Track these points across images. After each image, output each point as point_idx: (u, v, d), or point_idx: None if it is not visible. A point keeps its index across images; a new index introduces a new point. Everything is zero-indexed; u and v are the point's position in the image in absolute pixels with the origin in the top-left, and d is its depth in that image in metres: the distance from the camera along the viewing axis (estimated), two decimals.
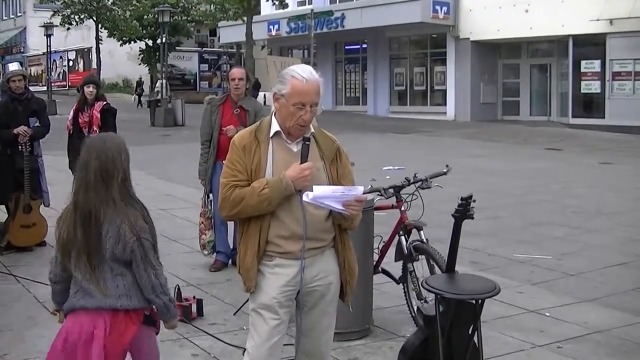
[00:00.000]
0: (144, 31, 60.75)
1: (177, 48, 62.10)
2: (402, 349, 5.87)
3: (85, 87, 10.98)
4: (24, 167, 10.81)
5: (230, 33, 53.50)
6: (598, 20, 34.07)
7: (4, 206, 11.36)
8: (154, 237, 4.69)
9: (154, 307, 4.72)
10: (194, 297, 8.12)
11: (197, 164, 10.32)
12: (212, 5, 55.16)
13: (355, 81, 49.99)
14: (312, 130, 4.79)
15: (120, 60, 69.31)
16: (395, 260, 7.92)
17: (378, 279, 8.16)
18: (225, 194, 4.68)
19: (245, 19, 44.60)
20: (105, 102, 11.08)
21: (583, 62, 36.24)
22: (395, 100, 46.52)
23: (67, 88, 67.95)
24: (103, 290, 4.56)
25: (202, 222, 10.21)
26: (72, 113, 11.15)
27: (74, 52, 71.22)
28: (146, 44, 62.43)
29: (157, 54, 52.19)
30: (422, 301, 7.28)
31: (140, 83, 58.96)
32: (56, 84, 66.16)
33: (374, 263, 7.99)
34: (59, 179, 14.47)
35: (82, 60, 70.34)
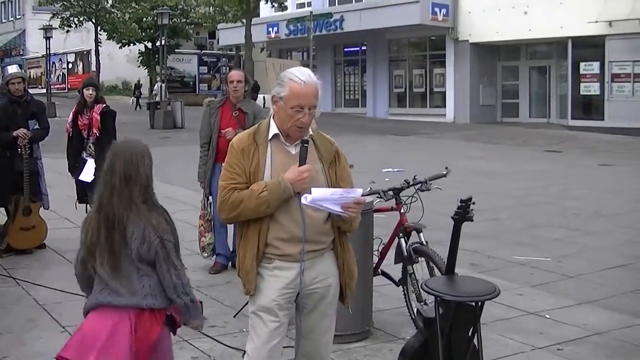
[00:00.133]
0: (143, 34, 60.83)
1: (176, 50, 62.17)
2: (402, 351, 5.87)
3: (84, 90, 10.98)
4: (24, 169, 10.81)
5: (230, 35, 53.50)
6: (597, 22, 34.10)
7: (3, 209, 11.36)
8: (175, 239, 4.79)
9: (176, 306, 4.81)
10: None
11: (196, 167, 10.32)
12: (211, 8, 55.21)
13: (354, 83, 50.00)
14: (311, 132, 4.79)
15: (120, 63, 69.38)
16: (395, 263, 7.92)
17: (378, 281, 8.15)
18: (224, 196, 4.68)
19: (244, 21, 44.64)
20: (104, 105, 11.07)
21: (582, 64, 36.27)
22: (395, 102, 46.55)
23: (66, 90, 67.95)
24: (128, 289, 4.68)
25: (202, 225, 10.20)
26: (71, 115, 11.15)
27: (73, 55, 71.26)
28: (145, 46, 62.51)
29: (157, 56, 52.27)
30: (421, 303, 7.28)
31: (138, 85, 58.93)
32: (55, 86, 66.12)
33: (374, 265, 7.99)
34: (58, 182, 14.49)
35: (81, 63, 70.40)
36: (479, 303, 5.45)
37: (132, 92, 60.66)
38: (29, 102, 11.21)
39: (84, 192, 11.19)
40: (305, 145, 4.65)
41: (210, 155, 10.00)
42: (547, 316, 8.38)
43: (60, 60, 71.55)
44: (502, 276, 9.87)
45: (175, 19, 57.99)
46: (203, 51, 70.94)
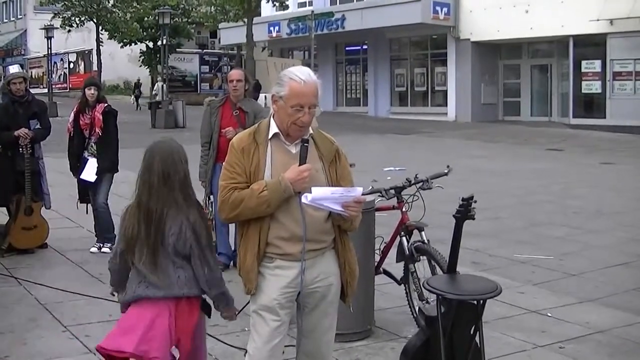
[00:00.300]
0: (145, 33, 60.89)
1: (177, 50, 62.17)
2: (404, 350, 5.86)
3: (86, 89, 10.97)
4: (25, 169, 10.80)
5: (231, 35, 53.51)
6: (598, 20, 34.10)
7: (5, 208, 11.35)
8: (209, 235, 5.07)
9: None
10: None
11: (197, 166, 10.31)
12: (212, 7, 55.14)
13: (355, 82, 50.00)
14: (311, 131, 4.78)
15: (121, 63, 69.44)
16: (397, 261, 7.92)
17: (379, 279, 8.16)
18: (224, 196, 4.68)
19: (245, 20, 44.64)
20: (106, 104, 11.06)
21: (584, 62, 36.28)
22: (396, 101, 46.55)
23: (67, 90, 67.95)
24: (165, 282, 4.92)
25: None
26: (72, 115, 11.13)
27: (75, 54, 71.24)
28: (147, 45, 62.56)
29: (158, 55, 52.32)
30: (423, 302, 7.28)
31: (138, 85, 58.88)
32: (57, 86, 66.16)
33: (376, 264, 7.99)
34: (59, 181, 14.48)
35: (82, 63, 70.35)
36: (481, 301, 5.45)
37: (132, 92, 60.69)
38: (31, 101, 11.21)
39: (85, 191, 11.20)
40: (305, 144, 4.64)
41: (211, 155, 10.00)
42: (549, 314, 8.38)
43: (61, 60, 71.51)
44: (504, 274, 9.86)
45: (177, 19, 58.01)
46: (204, 50, 70.97)
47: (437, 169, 8.19)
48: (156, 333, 4.90)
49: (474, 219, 5.56)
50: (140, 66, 64.50)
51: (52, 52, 52.61)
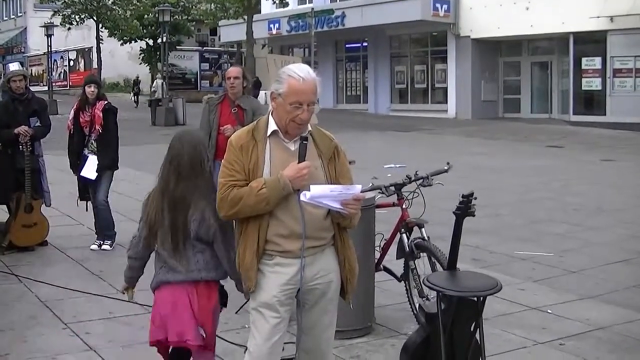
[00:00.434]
0: (145, 30, 60.89)
1: (177, 47, 62.16)
2: (404, 347, 5.86)
3: (86, 87, 10.96)
4: (25, 167, 10.81)
5: (231, 32, 53.51)
6: (598, 17, 34.10)
7: (5, 206, 11.36)
8: (230, 221, 5.07)
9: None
10: None
11: None
12: (212, 4, 55.15)
13: (356, 79, 49.99)
14: (310, 128, 4.78)
15: (121, 60, 69.42)
16: (397, 258, 7.92)
17: (380, 276, 8.16)
18: (223, 194, 4.68)
19: (245, 17, 44.61)
20: (106, 102, 11.06)
21: (584, 59, 36.27)
22: (396, 98, 46.55)
23: (68, 88, 68.00)
24: (185, 266, 5.17)
25: None
26: (72, 113, 11.13)
27: (75, 52, 71.25)
28: (147, 43, 62.53)
29: (158, 53, 52.26)
30: (423, 299, 7.27)
31: (137, 82, 58.86)
32: (57, 83, 66.17)
33: (376, 261, 8.00)
34: (60, 179, 14.48)
35: (82, 60, 70.36)
36: (481, 298, 5.45)
37: (131, 89, 60.68)
38: (31, 99, 11.22)
39: (85, 189, 11.20)
40: (304, 142, 4.64)
41: (210, 152, 9.98)
42: (549, 311, 8.38)
43: (61, 57, 71.51)
44: (504, 271, 9.87)
45: (177, 16, 57.96)
46: (204, 48, 70.90)
47: (437, 166, 8.19)
48: (183, 318, 5.17)
49: (474, 215, 5.57)
50: (140, 64, 64.47)
51: (52, 49, 52.59)
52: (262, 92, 29.58)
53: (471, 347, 5.57)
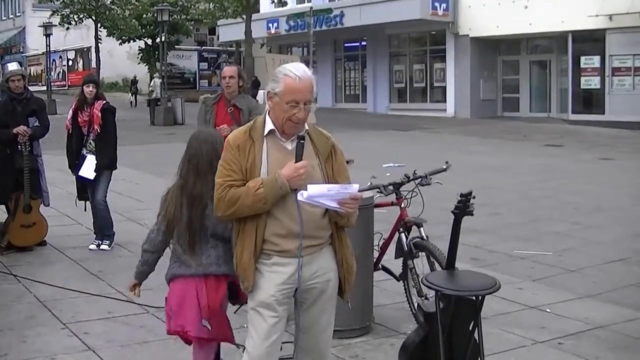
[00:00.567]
0: (143, 30, 60.84)
1: (176, 47, 62.18)
2: (403, 346, 5.87)
3: (84, 87, 10.95)
4: (24, 167, 10.81)
5: (230, 31, 53.48)
6: (597, 16, 34.07)
7: (4, 206, 11.36)
8: None
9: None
10: None
11: None
12: (211, 4, 55.09)
13: (354, 79, 49.97)
14: (307, 127, 4.78)
15: (120, 60, 69.36)
16: (396, 258, 7.92)
17: (378, 276, 8.17)
18: (221, 194, 4.67)
19: (244, 17, 44.60)
20: (105, 102, 11.05)
21: (582, 58, 36.24)
22: (395, 97, 46.51)
23: (66, 87, 68.07)
24: (197, 260, 5.38)
25: None
26: (70, 112, 11.12)
27: (74, 52, 71.32)
28: (145, 43, 62.54)
29: (157, 53, 52.24)
30: (422, 298, 7.28)
31: (134, 82, 58.84)
32: (56, 83, 66.20)
33: (374, 260, 8.00)
34: (58, 179, 14.49)
35: (81, 60, 70.44)
36: (480, 297, 5.45)
37: (129, 89, 60.68)
38: (29, 99, 11.22)
39: (84, 189, 11.20)
40: (301, 141, 4.64)
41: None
42: (548, 310, 8.39)
43: (60, 57, 71.57)
44: (503, 270, 9.88)
45: (175, 16, 57.95)
46: (203, 47, 70.93)
47: (436, 165, 8.20)
48: (188, 309, 5.38)
49: (472, 214, 5.57)
50: (139, 63, 64.48)
51: (51, 49, 52.57)
52: (260, 92, 29.61)
53: (470, 347, 5.57)
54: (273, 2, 45.12)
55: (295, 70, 4.64)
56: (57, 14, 57.77)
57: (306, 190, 4.51)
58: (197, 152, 5.40)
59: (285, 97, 4.60)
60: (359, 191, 4.70)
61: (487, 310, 7.01)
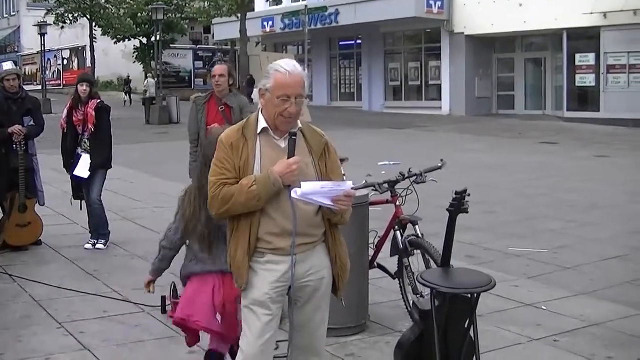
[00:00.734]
0: (138, 29, 60.84)
1: (171, 45, 62.21)
2: (398, 344, 5.87)
3: (78, 86, 10.94)
4: (19, 166, 10.78)
5: (225, 30, 53.53)
6: (592, 13, 34.11)
7: None
8: None
9: None
10: None
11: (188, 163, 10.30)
12: (206, 3, 55.15)
13: (350, 77, 50.01)
14: (300, 125, 4.78)
15: (115, 59, 69.33)
16: (391, 255, 7.92)
17: (374, 274, 8.16)
18: (214, 192, 4.67)
19: (239, 15, 44.67)
20: (99, 100, 11.03)
21: (577, 56, 36.28)
22: (390, 95, 46.57)
23: (61, 87, 68.02)
24: (213, 259, 5.62)
25: None
26: (65, 111, 11.10)
27: (68, 51, 71.29)
28: (140, 42, 62.52)
29: (152, 51, 52.24)
30: (418, 296, 7.29)
31: (128, 81, 58.81)
32: (51, 82, 66.23)
33: (370, 258, 7.99)
34: (53, 178, 14.48)
35: (76, 59, 70.41)
36: (475, 295, 5.46)
37: (122, 88, 60.69)
38: (24, 98, 11.20)
39: (79, 188, 11.19)
40: (293, 137, 4.64)
41: (199, 153, 9.94)
42: (544, 308, 8.39)
43: (55, 56, 71.54)
44: (499, 268, 9.88)
45: (170, 14, 57.93)
46: (198, 46, 70.92)
47: (431, 163, 8.20)
48: (200, 302, 5.64)
49: (467, 212, 5.58)
50: (134, 62, 64.46)
51: (46, 48, 52.63)
52: (256, 90, 29.62)
53: (465, 344, 5.58)
54: (268, 0, 45.10)
55: (286, 65, 4.65)
56: (52, 13, 57.82)
57: (300, 187, 4.50)
58: (212, 155, 5.36)
59: (276, 92, 4.60)
60: (353, 189, 4.70)
61: (483, 308, 7.02)
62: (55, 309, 8.25)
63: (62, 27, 58.99)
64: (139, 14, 59.21)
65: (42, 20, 52.46)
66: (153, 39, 47.77)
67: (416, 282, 7.16)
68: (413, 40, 46.04)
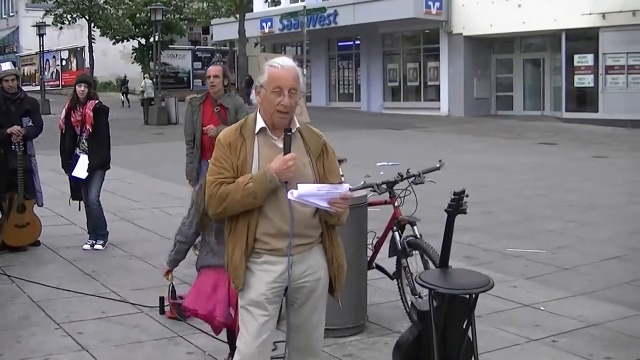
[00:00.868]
0: (137, 30, 60.83)
1: (170, 46, 62.17)
2: (397, 345, 5.87)
3: (76, 86, 10.93)
4: (18, 167, 10.78)
5: (223, 30, 53.52)
6: (590, 14, 34.13)
7: None
8: None
9: None
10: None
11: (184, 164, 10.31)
12: (204, 3, 55.11)
13: (348, 77, 49.99)
14: (297, 125, 4.78)
15: (114, 59, 69.31)
16: (389, 256, 7.92)
17: (372, 274, 8.16)
18: (212, 190, 4.67)
19: (237, 16, 44.63)
20: (97, 101, 11.03)
21: (576, 56, 36.30)
22: (389, 96, 46.56)
23: (60, 87, 68.05)
24: None
25: None
26: (63, 112, 11.10)
27: (67, 52, 71.27)
28: (139, 42, 62.51)
29: (150, 52, 52.20)
30: (416, 296, 7.28)
31: (125, 81, 58.79)
32: (49, 83, 66.17)
33: (368, 259, 8.00)
34: (52, 179, 14.48)
35: (75, 60, 70.39)
36: (473, 295, 5.45)
37: (119, 88, 60.69)
38: (23, 99, 11.20)
39: (77, 188, 11.18)
40: (288, 133, 4.64)
41: (195, 154, 9.95)
42: (542, 308, 8.39)
43: (53, 57, 71.51)
44: (497, 269, 9.88)
45: (169, 15, 57.86)
46: (197, 47, 70.90)
47: (430, 163, 8.21)
48: (218, 297, 5.84)
49: (465, 213, 5.57)
50: (133, 63, 64.45)
51: (44, 49, 52.57)
52: (254, 91, 29.59)
53: (464, 345, 5.57)
54: (266, 1, 45.15)
55: (279, 60, 4.72)
56: (51, 14, 57.71)
57: (296, 189, 4.50)
58: None
59: (269, 85, 4.62)
60: (351, 190, 4.69)
61: (481, 309, 7.02)
62: (53, 310, 8.25)
63: (61, 28, 58.90)
64: (138, 15, 59.19)
65: (40, 21, 52.43)
66: (152, 39, 47.68)
67: (414, 282, 7.16)
68: (412, 40, 46.05)
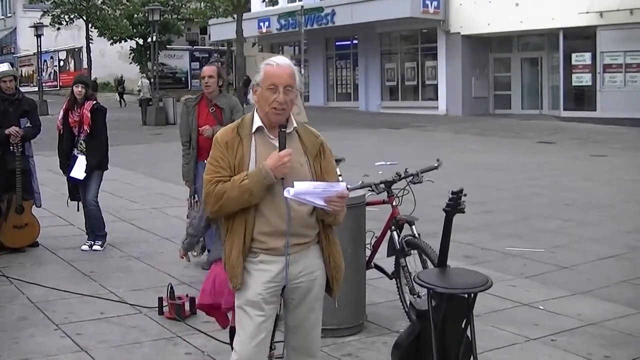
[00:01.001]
0: (135, 30, 60.77)
1: (167, 46, 62.14)
2: (396, 344, 5.86)
3: (74, 87, 10.92)
4: (16, 167, 10.78)
5: (221, 31, 53.50)
6: (588, 12, 34.13)
7: None
8: None
9: None
10: (186, 296, 8.12)
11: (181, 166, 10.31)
12: (202, 3, 55.17)
13: (346, 77, 49.97)
14: (295, 124, 4.78)
15: (111, 60, 69.24)
16: (388, 256, 7.91)
17: (371, 274, 8.15)
18: (209, 189, 4.67)
19: (235, 16, 44.62)
20: (95, 102, 11.02)
21: (574, 55, 36.30)
22: (387, 95, 46.56)
23: (58, 88, 68.02)
24: None
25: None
26: (61, 113, 11.10)
27: (65, 52, 71.27)
28: (137, 42, 62.46)
29: (148, 52, 52.19)
30: (414, 296, 7.27)
31: (121, 82, 58.77)
32: (47, 84, 66.16)
33: (367, 259, 7.99)
34: (50, 180, 14.48)
35: (72, 60, 70.37)
36: (472, 295, 5.45)
37: (115, 89, 60.68)
38: (21, 100, 11.19)
39: (75, 189, 11.17)
40: (282, 130, 4.63)
41: (192, 155, 9.94)
42: (541, 307, 8.39)
43: (51, 58, 71.52)
44: (496, 268, 9.88)
45: (166, 15, 57.89)
46: (195, 47, 70.92)
47: (428, 162, 8.20)
48: (225, 288, 5.64)
49: (463, 212, 5.57)
50: (131, 63, 64.43)
51: (42, 50, 52.56)
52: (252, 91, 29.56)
53: (462, 344, 5.57)
54: (264, 1, 45.15)
55: (275, 59, 4.73)
56: (48, 15, 57.71)
57: (293, 187, 4.49)
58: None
59: (265, 83, 4.63)
60: (349, 190, 4.69)
61: (480, 308, 7.02)
62: (52, 311, 8.24)
63: (58, 29, 58.89)
64: (135, 15, 59.19)
65: (38, 22, 52.42)
66: (149, 40, 47.66)
67: (413, 282, 7.15)
68: (409, 40, 46.05)
